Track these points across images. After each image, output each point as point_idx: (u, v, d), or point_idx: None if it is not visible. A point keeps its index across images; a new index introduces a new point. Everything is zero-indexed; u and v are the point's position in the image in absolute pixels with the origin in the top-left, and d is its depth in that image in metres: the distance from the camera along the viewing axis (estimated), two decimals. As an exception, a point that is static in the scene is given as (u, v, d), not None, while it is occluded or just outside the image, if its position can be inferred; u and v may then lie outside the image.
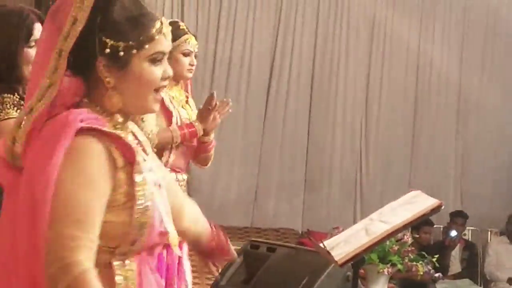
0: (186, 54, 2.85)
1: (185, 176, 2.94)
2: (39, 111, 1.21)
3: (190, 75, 2.98)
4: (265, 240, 4.68)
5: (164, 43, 1.28)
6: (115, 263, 1.24)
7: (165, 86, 1.35)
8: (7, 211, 1.27)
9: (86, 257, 1.14)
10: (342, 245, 2.76)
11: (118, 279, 1.23)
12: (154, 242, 1.30)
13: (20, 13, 2.19)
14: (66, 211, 1.14)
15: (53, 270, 1.13)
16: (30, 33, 2.13)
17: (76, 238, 1.13)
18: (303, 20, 6.98)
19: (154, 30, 1.26)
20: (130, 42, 1.24)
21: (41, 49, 1.33)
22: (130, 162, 1.22)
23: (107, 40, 1.23)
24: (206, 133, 2.93)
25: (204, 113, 2.86)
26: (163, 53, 1.28)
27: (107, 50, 1.23)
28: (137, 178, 1.22)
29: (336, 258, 2.65)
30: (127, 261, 1.26)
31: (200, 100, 3.08)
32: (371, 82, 7.25)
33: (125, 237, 1.23)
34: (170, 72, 1.33)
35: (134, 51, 1.24)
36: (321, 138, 7.25)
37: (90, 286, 1.13)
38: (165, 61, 1.31)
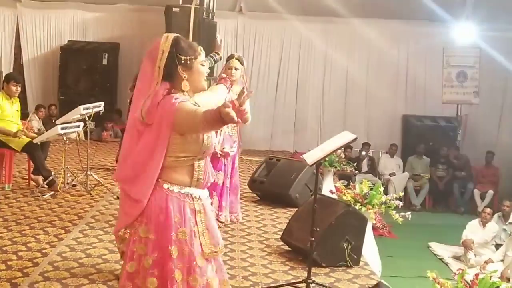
0: (230, 68, 4.45)
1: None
2: (151, 97, 1.98)
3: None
4: (275, 156, 6.30)
5: (203, 56, 2.10)
6: (196, 162, 2.11)
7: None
8: (144, 141, 2.02)
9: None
10: (310, 156, 3.64)
11: (196, 168, 2.11)
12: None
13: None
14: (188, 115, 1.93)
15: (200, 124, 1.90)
16: None
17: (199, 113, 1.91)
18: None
19: (199, 50, 2.11)
20: (192, 56, 2.05)
21: (145, 72, 2.04)
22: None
23: (181, 56, 2.02)
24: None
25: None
26: (204, 61, 2.09)
27: (182, 61, 2.00)
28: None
29: (307, 162, 3.65)
30: (201, 161, 2.13)
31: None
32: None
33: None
34: (208, 71, 2.11)
35: (194, 60, 2.05)
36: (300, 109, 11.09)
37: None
38: (206, 65, 2.11)
